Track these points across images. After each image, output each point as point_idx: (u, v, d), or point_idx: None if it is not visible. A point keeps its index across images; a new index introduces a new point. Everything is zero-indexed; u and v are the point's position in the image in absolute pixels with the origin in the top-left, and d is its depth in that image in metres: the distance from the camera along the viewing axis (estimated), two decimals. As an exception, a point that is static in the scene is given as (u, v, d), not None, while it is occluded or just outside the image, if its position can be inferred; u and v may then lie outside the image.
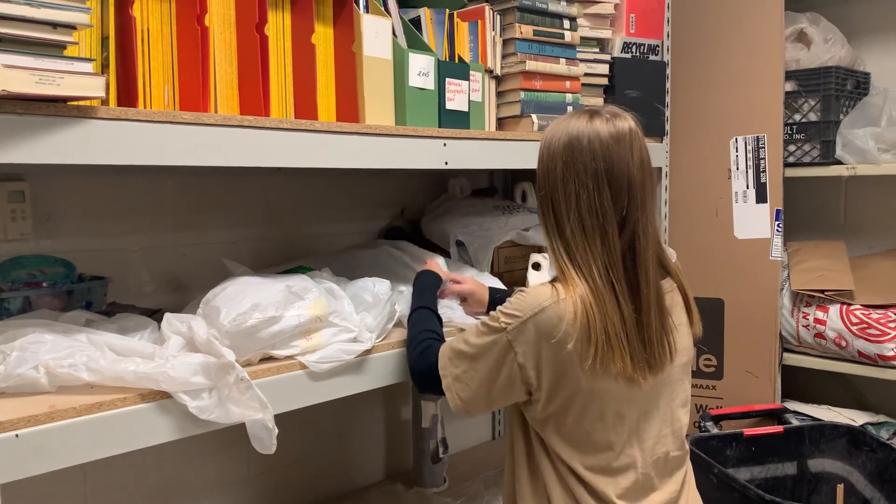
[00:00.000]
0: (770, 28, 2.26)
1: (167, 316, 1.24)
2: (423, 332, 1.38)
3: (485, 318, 1.25)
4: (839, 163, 2.32)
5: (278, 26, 1.36)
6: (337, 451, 2.12)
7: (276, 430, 1.17)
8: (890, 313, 2.15)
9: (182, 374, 1.10)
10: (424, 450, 2.09)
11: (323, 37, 1.44)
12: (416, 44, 1.60)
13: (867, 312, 2.17)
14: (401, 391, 2.25)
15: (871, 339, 2.15)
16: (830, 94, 2.32)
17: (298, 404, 1.28)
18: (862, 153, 2.26)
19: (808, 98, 2.36)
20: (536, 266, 2.00)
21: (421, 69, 1.55)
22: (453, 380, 1.26)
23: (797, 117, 2.39)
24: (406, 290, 1.55)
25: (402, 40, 1.58)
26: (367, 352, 1.37)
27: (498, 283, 1.80)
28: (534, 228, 2.06)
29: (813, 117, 2.36)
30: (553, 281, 1.23)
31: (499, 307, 1.24)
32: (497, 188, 2.46)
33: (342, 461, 2.13)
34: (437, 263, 1.62)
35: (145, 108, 1.18)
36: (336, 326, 1.33)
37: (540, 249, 2.07)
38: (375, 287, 1.46)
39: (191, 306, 1.36)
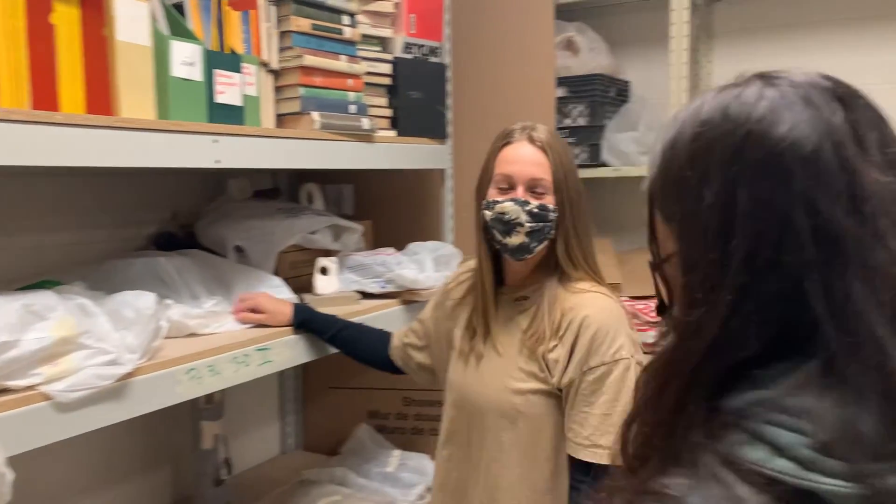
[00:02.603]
0: (541, 35, 2.35)
1: None
2: None
3: (599, 373, 1.29)
4: (605, 165, 2.48)
5: (5, 2, 1.16)
6: (106, 484, 1.89)
7: (11, 475, 0.99)
8: (651, 304, 2.34)
9: None
10: (206, 473, 1.93)
11: (66, 17, 1.26)
12: (180, 31, 1.46)
13: (633, 304, 2.34)
14: (177, 412, 2.06)
15: (637, 328, 2.32)
16: (596, 100, 2.47)
17: (42, 442, 1.10)
18: (624, 156, 2.43)
19: (577, 103, 2.50)
20: (324, 270, 1.92)
21: (185, 58, 1.41)
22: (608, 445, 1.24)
23: (568, 122, 2.52)
24: (175, 302, 1.41)
25: (163, 26, 1.43)
26: (129, 375, 1.21)
27: (288, 292, 1.72)
28: (320, 231, 1.98)
29: (582, 122, 2.51)
30: (588, 288, 1.42)
31: (606, 350, 1.30)
32: (281, 189, 2.34)
33: (113, 494, 1.91)
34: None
35: None
36: (89, 348, 1.17)
37: (327, 253, 1.99)
38: (137, 301, 1.30)
39: None
